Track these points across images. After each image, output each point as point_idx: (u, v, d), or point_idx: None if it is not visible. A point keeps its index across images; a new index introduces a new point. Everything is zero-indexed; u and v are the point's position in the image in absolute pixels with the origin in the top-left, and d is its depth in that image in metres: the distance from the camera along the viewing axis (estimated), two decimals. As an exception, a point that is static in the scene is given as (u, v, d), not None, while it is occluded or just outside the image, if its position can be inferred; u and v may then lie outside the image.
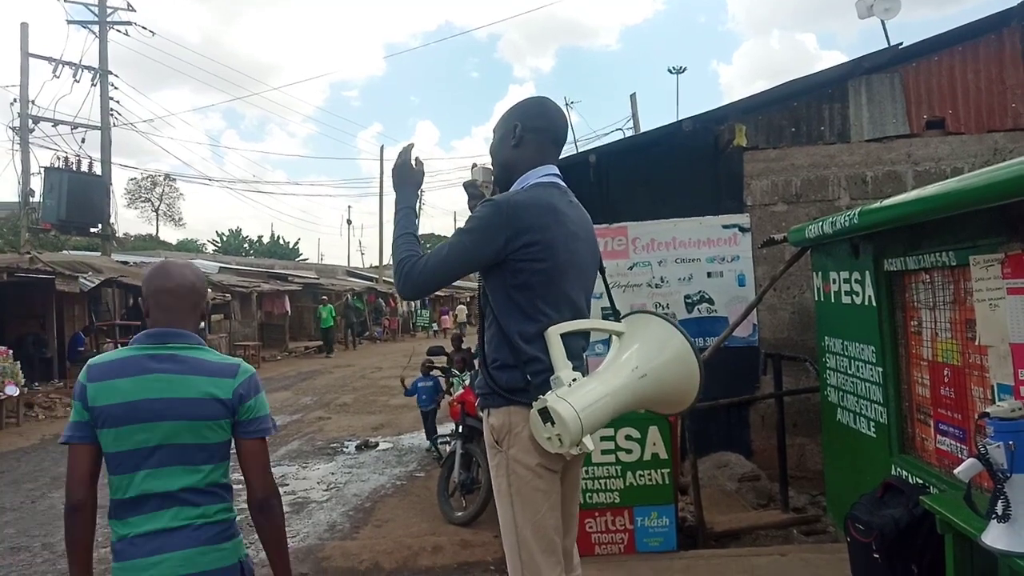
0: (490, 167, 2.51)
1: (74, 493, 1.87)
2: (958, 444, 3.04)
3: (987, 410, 2.27)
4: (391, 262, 2.20)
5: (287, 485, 6.98)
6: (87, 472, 1.87)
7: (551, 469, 2.10)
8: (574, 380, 1.96)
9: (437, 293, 41.38)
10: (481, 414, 2.23)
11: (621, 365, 2.07)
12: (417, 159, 2.36)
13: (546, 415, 1.89)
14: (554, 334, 2.00)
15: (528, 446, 2.04)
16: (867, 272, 3.65)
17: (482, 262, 2.09)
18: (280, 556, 1.95)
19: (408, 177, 2.31)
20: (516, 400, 2.05)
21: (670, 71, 30.25)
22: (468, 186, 2.52)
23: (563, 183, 2.26)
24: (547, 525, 2.10)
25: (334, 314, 22.98)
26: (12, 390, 10.51)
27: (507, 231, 2.03)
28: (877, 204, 3.29)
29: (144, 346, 1.89)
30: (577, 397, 1.90)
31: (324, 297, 25.16)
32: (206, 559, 1.84)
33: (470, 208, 2.40)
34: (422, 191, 2.44)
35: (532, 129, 2.24)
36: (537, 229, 2.05)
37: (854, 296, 3.84)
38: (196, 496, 1.85)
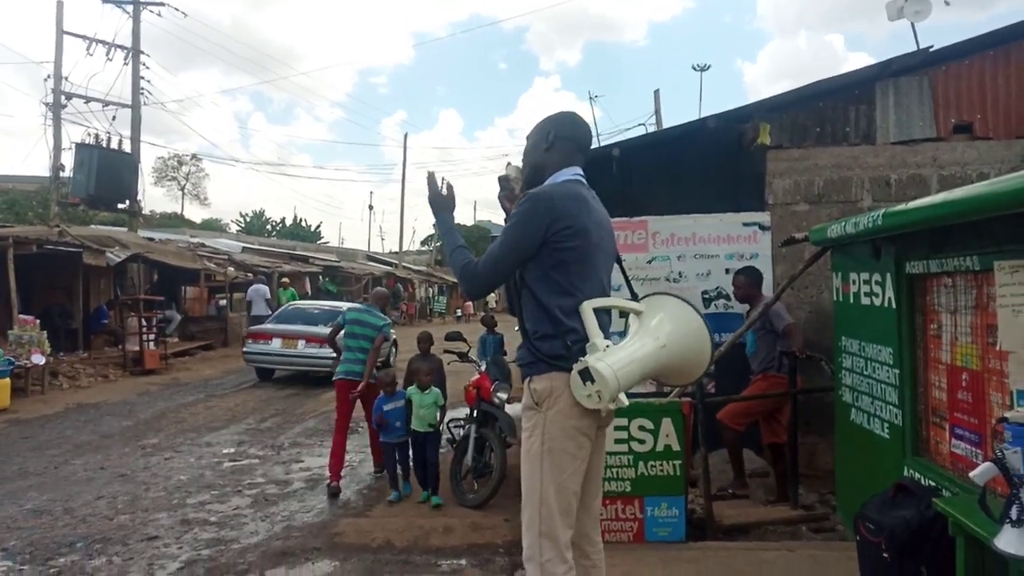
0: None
1: (332, 337, 6.64)
2: (973, 448, 3.04)
3: (1006, 415, 2.29)
4: (453, 270, 2.58)
5: (303, 462, 7.11)
6: (337, 332, 6.52)
7: (584, 433, 2.34)
8: (607, 347, 2.22)
9: (456, 280, 41.65)
10: (523, 383, 2.48)
11: (646, 337, 2.32)
12: (447, 184, 2.76)
13: (586, 375, 2.16)
14: (587, 308, 2.28)
15: (566, 409, 2.30)
16: (888, 274, 3.65)
17: (530, 249, 2.37)
18: (371, 361, 6.24)
19: (443, 203, 2.72)
20: (558, 366, 2.30)
21: (694, 68, 30.12)
22: (502, 180, 2.78)
23: (586, 183, 2.56)
24: (569, 488, 2.33)
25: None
26: (38, 359, 10.74)
27: (547, 218, 2.33)
28: (902, 206, 3.28)
29: (362, 309, 6.61)
30: (613, 359, 2.17)
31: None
32: (362, 365, 6.17)
33: (499, 200, 2.77)
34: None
35: (563, 137, 2.58)
36: (571, 215, 2.36)
37: (873, 297, 3.84)
38: (365, 348, 6.22)
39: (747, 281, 5.31)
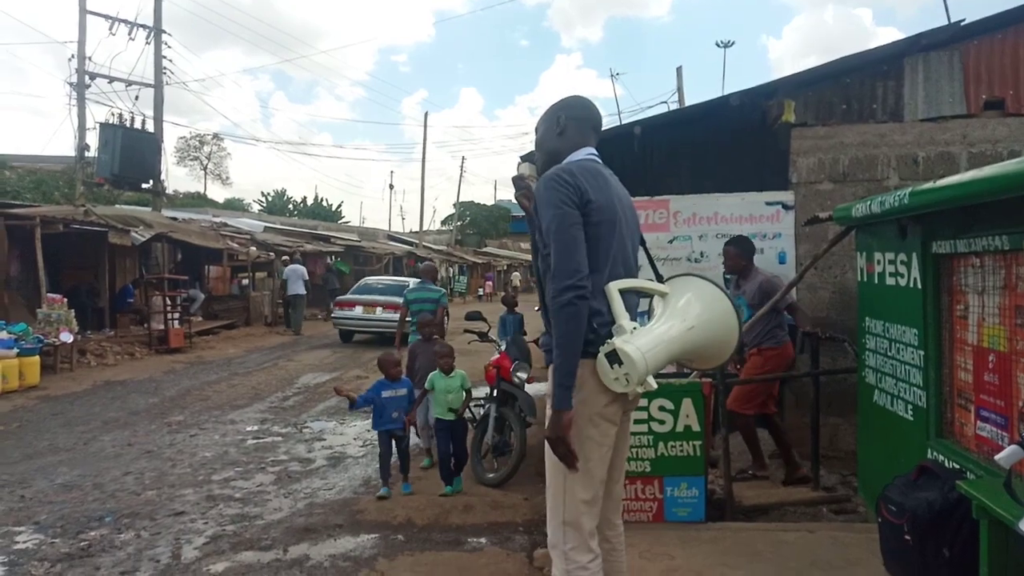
0: (534, 163, 2.78)
1: (402, 320, 7.30)
2: (999, 431, 3.00)
3: (1031, 397, 2.25)
4: (568, 327, 2.17)
5: (324, 440, 7.20)
6: (406, 313, 7.20)
7: (609, 420, 2.28)
8: (634, 328, 2.18)
9: (475, 260, 41.61)
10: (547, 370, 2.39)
11: (674, 318, 2.28)
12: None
13: (613, 357, 2.11)
14: (613, 289, 2.23)
15: (591, 397, 2.23)
16: (914, 254, 3.59)
17: (576, 214, 2.24)
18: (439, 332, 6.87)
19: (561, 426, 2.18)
20: (584, 352, 2.20)
21: (718, 45, 29.66)
22: (516, 180, 2.71)
23: (601, 162, 2.51)
24: (595, 476, 2.29)
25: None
26: (67, 337, 10.95)
27: (574, 193, 2.27)
28: (929, 184, 3.22)
29: (419, 285, 7.46)
30: (641, 341, 2.13)
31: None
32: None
33: (517, 200, 2.64)
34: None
35: (574, 118, 2.55)
36: (593, 190, 2.30)
37: (899, 278, 3.78)
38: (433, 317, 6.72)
39: (737, 252, 5.19)
